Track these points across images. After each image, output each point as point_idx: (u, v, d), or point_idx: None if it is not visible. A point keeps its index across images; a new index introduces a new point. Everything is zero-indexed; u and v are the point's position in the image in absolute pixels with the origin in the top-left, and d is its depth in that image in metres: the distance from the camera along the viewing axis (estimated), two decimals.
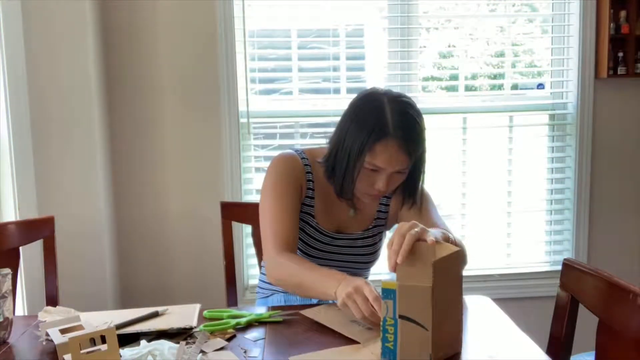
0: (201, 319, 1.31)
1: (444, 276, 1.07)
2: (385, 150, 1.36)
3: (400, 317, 1.05)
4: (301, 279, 1.34)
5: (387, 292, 1.05)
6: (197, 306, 1.35)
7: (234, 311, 1.34)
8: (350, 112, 1.44)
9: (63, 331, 1.17)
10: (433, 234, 1.19)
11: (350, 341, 1.18)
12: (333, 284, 1.26)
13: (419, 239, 1.11)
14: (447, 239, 1.34)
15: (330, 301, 1.49)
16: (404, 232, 1.11)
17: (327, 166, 1.49)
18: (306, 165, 1.53)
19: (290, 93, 2.61)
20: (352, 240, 1.55)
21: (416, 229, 1.12)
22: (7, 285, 1.25)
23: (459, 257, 1.13)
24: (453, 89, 2.72)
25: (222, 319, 1.30)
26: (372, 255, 1.57)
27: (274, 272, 1.41)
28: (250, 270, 2.59)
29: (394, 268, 1.09)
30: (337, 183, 1.47)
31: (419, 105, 2.71)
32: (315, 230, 1.53)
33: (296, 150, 1.56)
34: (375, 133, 1.36)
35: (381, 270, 2.51)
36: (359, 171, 1.41)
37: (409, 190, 1.51)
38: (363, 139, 1.37)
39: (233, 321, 1.27)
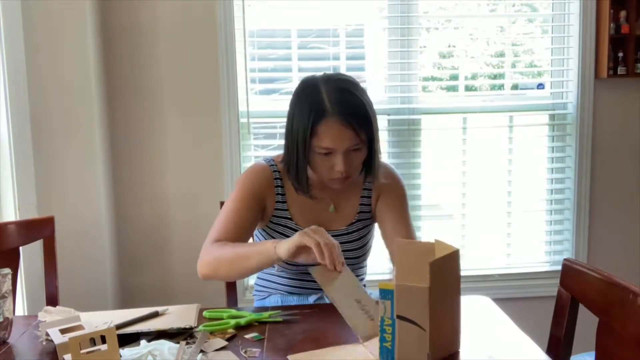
0: (201, 319, 1.31)
1: (441, 276, 1.07)
2: (328, 130, 1.37)
3: (398, 317, 1.05)
4: (234, 251, 1.36)
5: (385, 293, 1.05)
6: (197, 306, 1.35)
7: (234, 311, 1.34)
8: (291, 103, 1.47)
9: (63, 331, 1.17)
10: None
11: (349, 342, 1.18)
12: (270, 243, 1.29)
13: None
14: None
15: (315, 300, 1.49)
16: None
17: (285, 163, 1.49)
18: (275, 171, 1.53)
19: (290, 93, 2.60)
20: (337, 237, 1.51)
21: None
22: (7, 285, 1.25)
23: (457, 258, 1.13)
24: (453, 89, 2.72)
25: (222, 319, 1.30)
26: (360, 250, 1.56)
27: (204, 257, 1.40)
28: None
29: None
30: (292, 176, 1.47)
31: (419, 105, 2.73)
32: (295, 231, 1.50)
33: (266, 160, 1.57)
34: (314, 115, 1.37)
35: (381, 270, 2.52)
36: (309, 159, 1.41)
37: (366, 166, 1.49)
38: (305, 124, 1.38)
39: (233, 321, 1.27)
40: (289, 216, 1.53)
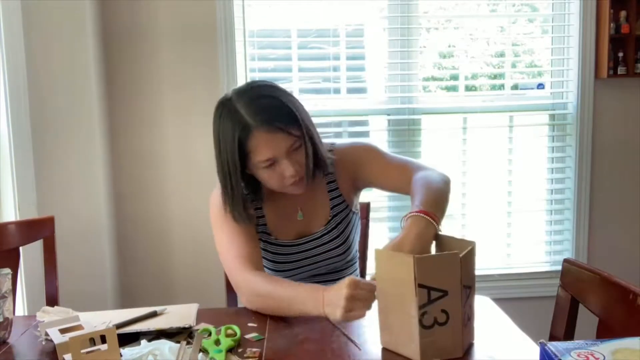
0: (199, 319, 1.31)
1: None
2: (259, 142, 1.32)
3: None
4: (278, 300, 1.28)
5: None
6: (196, 305, 1.35)
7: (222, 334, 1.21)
8: (214, 131, 1.41)
9: (62, 331, 1.17)
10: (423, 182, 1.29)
11: (351, 343, 1.18)
12: (314, 304, 1.21)
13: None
14: (434, 187, 1.33)
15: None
16: None
17: (222, 194, 1.44)
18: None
19: (290, 93, 2.60)
20: (318, 239, 1.51)
21: None
22: (7, 285, 1.24)
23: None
24: (453, 89, 2.72)
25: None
26: (344, 245, 1.51)
27: (246, 294, 1.34)
28: None
29: None
30: (229, 203, 1.41)
31: (419, 105, 2.73)
32: (277, 245, 1.50)
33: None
34: (238, 133, 1.32)
35: None
36: (250, 170, 1.38)
37: (314, 161, 1.43)
38: (232, 146, 1.33)
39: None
40: (268, 231, 1.50)
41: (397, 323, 1.10)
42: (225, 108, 1.37)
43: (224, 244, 1.42)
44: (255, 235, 1.46)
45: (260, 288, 1.32)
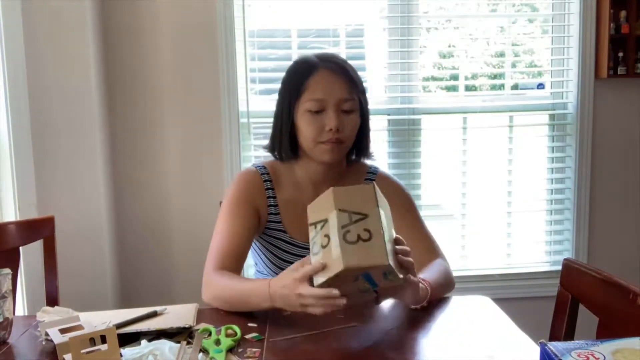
0: (199, 319, 1.31)
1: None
2: (320, 79, 1.36)
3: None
4: (232, 292, 1.30)
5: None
6: (196, 305, 1.35)
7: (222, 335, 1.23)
8: (283, 78, 1.47)
9: (62, 331, 1.17)
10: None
11: (350, 342, 1.18)
12: (264, 294, 1.21)
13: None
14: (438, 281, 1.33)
15: None
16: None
17: (270, 139, 1.48)
18: (266, 181, 1.48)
19: None
20: None
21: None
22: (7, 285, 1.24)
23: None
24: (453, 89, 2.73)
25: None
26: None
27: (208, 289, 1.35)
28: (250, 270, 2.59)
29: None
30: (277, 144, 1.45)
31: (419, 105, 2.73)
32: (289, 244, 1.48)
33: (257, 166, 1.51)
34: (305, 72, 1.37)
35: None
36: (297, 124, 1.40)
37: (360, 142, 1.46)
38: (296, 85, 1.38)
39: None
40: (283, 228, 1.48)
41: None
42: (299, 58, 1.44)
43: (219, 233, 1.43)
44: (248, 238, 1.44)
45: (220, 286, 1.33)
